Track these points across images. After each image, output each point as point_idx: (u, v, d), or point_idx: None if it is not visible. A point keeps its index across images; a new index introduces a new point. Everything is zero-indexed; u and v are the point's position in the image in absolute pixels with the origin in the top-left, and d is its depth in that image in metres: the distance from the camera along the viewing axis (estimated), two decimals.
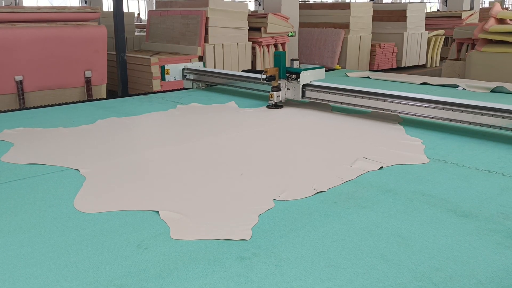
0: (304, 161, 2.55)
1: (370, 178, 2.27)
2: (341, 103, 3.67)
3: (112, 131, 3.27)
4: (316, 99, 3.83)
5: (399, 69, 9.93)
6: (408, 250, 1.59)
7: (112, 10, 6.39)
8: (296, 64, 3.91)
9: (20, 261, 1.55)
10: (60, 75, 5.49)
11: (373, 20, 9.79)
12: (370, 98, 3.46)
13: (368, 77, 5.66)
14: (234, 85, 4.60)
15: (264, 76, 3.89)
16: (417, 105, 3.20)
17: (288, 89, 3.95)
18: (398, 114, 3.40)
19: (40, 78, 5.35)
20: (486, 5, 22.43)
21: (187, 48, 7.09)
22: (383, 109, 3.40)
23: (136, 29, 10.64)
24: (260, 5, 14.49)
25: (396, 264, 1.50)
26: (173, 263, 1.53)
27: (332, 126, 3.34)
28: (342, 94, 3.63)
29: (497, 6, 7.05)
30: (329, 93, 3.73)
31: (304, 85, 3.87)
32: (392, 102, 3.34)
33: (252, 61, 7.74)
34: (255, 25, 7.74)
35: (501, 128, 2.85)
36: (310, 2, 20.42)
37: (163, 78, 4.84)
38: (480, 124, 2.93)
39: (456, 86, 4.79)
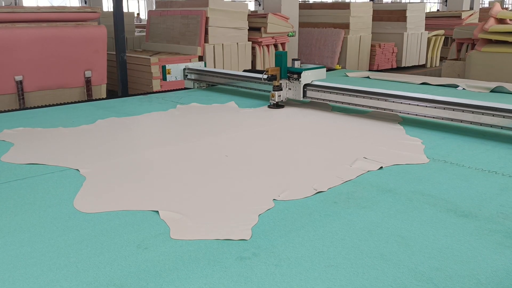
0: (304, 161, 2.55)
1: (370, 178, 2.27)
2: (342, 102, 3.67)
3: (112, 131, 3.27)
4: (317, 98, 3.83)
5: (399, 69, 9.92)
6: (408, 250, 1.59)
7: (112, 10, 6.39)
8: (297, 64, 3.92)
9: (20, 261, 1.55)
10: (60, 75, 5.49)
11: (373, 20, 9.80)
12: (370, 98, 3.46)
13: (368, 77, 5.66)
14: (235, 85, 4.60)
15: (265, 76, 3.89)
16: (417, 105, 3.20)
17: (290, 89, 3.95)
18: (399, 114, 3.40)
19: (40, 78, 5.35)
20: (486, 5, 22.43)
21: (187, 48, 7.09)
22: (384, 109, 3.40)
23: (136, 29, 10.64)
24: (260, 5, 14.49)
25: (396, 264, 1.50)
26: (173, 263, 1.53)
27: (332, 126, 3.34)
28: (342, 94, 3.64)
29: (497, 6, 7.05)
30: (330, 93, 3.73)
31: (305, 85, 3.87)
32: (393, 102, 3.34)
33: (252, 61, 7.74)
34: (255, 25, 7.74)
35: (502, 127, 2.85)
36: (310, 2, 20.42)
37: (164, 78, 4.84)
38: (481, 124, 2.93)
39: (456, 86, 4.80)
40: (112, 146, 2.89)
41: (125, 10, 7.17)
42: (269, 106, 3.95)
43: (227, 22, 7.22)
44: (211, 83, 4.92)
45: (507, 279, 1.42)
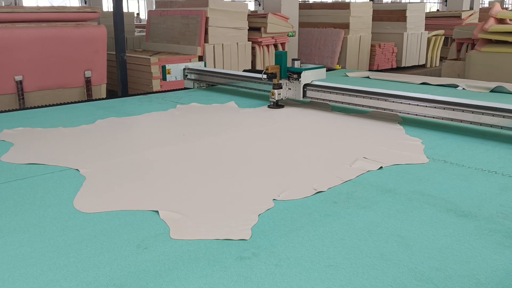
0: (304, 161, 2.55)
1: (370, 178, 2.27)
2: (342, 102, 3.67)
3: (112, 131, 3.27)
4: (317, 98, 3.83)
5: (399, 69, 9.93)
6: (408, 250, 1.59)
7: (112, 10, 6.39)
8: (297, 64, 3.91)
9: (20, 261, 1.55)
10: (60, 75, 5.49)
11: (373, 20, 9.80)
12: (370, 98, 3.47)
13: (368, 77, 5.66)
14: (235, 85, 4.60)
15: (265, 75, 3.88)
16: (417, 105, 3.20)
17: (289, 88, 3.95)
18: (399, 113, 3.40)
19: (40, 78, 5.35)
20: (486, 5, 22.43)
21: (187, 48, 7.09)
22: (384, 109, 3.40)
23: (136, 29, 10.64)
24: (260, 5, 14.49)
25: (396, 264, 1.50)
26: (173, 263, 1.53)
27: (332, 126, 3.34)
28: (342, 94, 3.64)
29: (497, 6, 7.05)
30: (330, 92, 3.73)
31: (305, 85, 3.87)
32: (393, 101, 3.34)
33: (252, 61, 7.74)
34: (255, 25, 7.74)
35: (501, 127, 2.85)
36: (310, 2, 20.42)
37: (164, 78, 4.84)
38: (481, 124, 2.93)
39: (456, 86, 4.80)
40: (112, 146, 2.89)
41: (125, 10, 7.17)
42: (269, 106, 3.95)
43: (227, 22, 7.22)
44: (211, 83, 4.92)
45: (507, 279, 1.42)
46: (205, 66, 5.11)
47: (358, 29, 9.42)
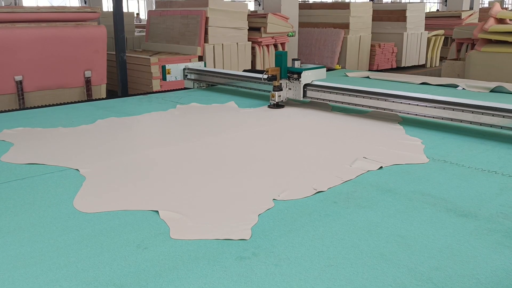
0: (303, 161, 2.55)
1: (370, 178, 2.27)
2: (342, 102, 3.67)
3: (112, 131, 3.27)
4: (317, 98, 3.83)
5: (399, 69, 9.93)
6: (408, 249, 1.59)
7: (112, 10, 6.39)
8: (297, 64, 3.91)
9: (20, 261, 1.55)
10: (60, 75, 5.49)
11: (373, 20, 9.80)
12: (370, 98, 3.47)
13: (368, 77, 5.66)
14: (235, 85, 4.60)
15: (265, 76, 3.89)
16: (417, 105, 3.20)
17: (290, 88, 3.95)
18: (398, 113, 3.40)
19: (40, 78, 5.35)
20: (486, 5, 22.44)
21: (186, 48, 7.09)
22: (384, 109, 3.40)
23: (135, 29, 10.64)
24: (260, 5, 14.50)
25: (396, 263, 1.50)
26: (173, 262, 1.53)
27: (332, 126, 3.34)
28: (342, 94, 3.64)
29: (497, 6, 7.05)
30: (330, 92, 3.73)
31: (306, 85, 3.87)
32: (392, 101, 3.34)
33: (252, 61, 7.74)
34: (255, 25, 7.75)
35: (501, 127, 2.85)
36: (310, 2, 20.43)
37: (164, 78, 4.84)
38: (480, 124, 2.93)
39: (455, 86, 4.80)
40: (112, 146, 2.89)
41: (125, 10, 7.17)
42: (269, 106, 3.95)
43: (227, 22, 7.22)
44: (211, 83, 4.92)
45: (507, 278, 1.42)
46: (205, 66, 5.11)
47: (358, 29, 9.42)
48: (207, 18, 7.00)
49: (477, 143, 2.84)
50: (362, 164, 2.45)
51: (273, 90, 3.90)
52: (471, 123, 2.98)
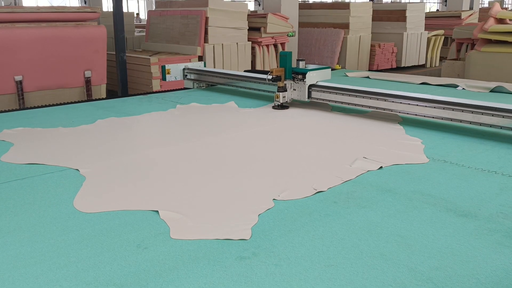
0: (303, 161, 2.55)
1: (370, 178, 2.27)
2: (342, 102, 3.67)
3: (112, 131, 3.27)
4: (323, 99, 3.78)
5: (399, 69, 9.93)
6: (408, 249, 1.59)
7: (111, 10, 6.39)
8: (302, 65, 3.85)
9: (20, 261, 1.55)
10: (60, 75, 5.49)
11: (373, 20, 9.80)
12: (370, 98, 3.46)
13: (368, 77, 5.66)
14: (235, 85, 4.59)
15: (270, 77, 3.82)
16: (417, 105, 3.21)
17: (294, 89, 3.90)
18: (398, 113, 3.40)
19: (39, 78, 5.35)
20: (486, 5, 22.44)
21: (186, 48, 7.09)
22: (383, 109, 3.40)
23: (135, 29, 10.64)
24: (259, 5, 14.51)
25: (396, 263, 1.50)
26: (173, 262, 1.53)
27: (332, 126, 3.34)
28: (342, 94, 3.63)
29: (497, 6, 7.05)
30: (336, 93, 3.68)
31: (310, 86, 3.82)
32: (392, 101, 3.34)
33: (251, 61, 7.74)
34: (255, 25, 7.75)
35: (501, 127, 2.85)
36: (310, 2, 20.43)
37: (163, 78, 4.84)
38: (480, 124, 2.93)
39: (455, 86, 4.80)
40: (112, 146, 2.89)
41: (124, 10, 7.17)
42: (274, 107, 3.89)
43: (227, 22, 7.22)
44: (211, 83, 4.92)
45: (507, 278, 1.42)
46: (204, 66, 5.11)
47: (358, 29, 9.42)
48: (207, 18, 7.00)
49: (477, 143, 2.85)
50: (362, 164, 2.45)
51: (278, 91, 3.84)
52: (470, 123, 2.98)
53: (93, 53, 5.66)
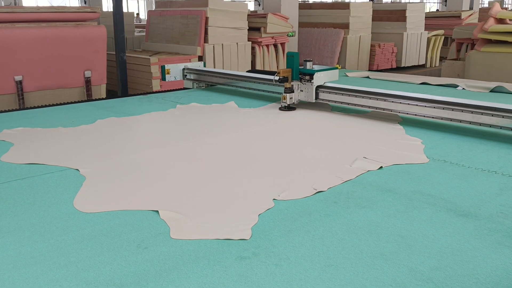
0: (303, 161, 2.55)
1: (370, 178, 2.27)
2: (341, 102, 3.66)
3: (112, 131, 3.27)
4: (329, 100, 3.74)
5: (399, 69, 9.94)
6: (408, 249, 1.59)
7: (111, 10, 6.39)
8: (309, 65, 3.79)
9: (20, 261, 1.55)
10: (59, 75, 5.49)
11: (373, 20, 9.81)
12: (370, 98, 3.46)
13: (368, 77, 5.66)
14: (235, 85, 4.59)
15: (277, 78, 3.75)
16: (417, 105, 3.21)
17: (301, 90, 3.84)
18: (398, 113, 3.40)
19: (39, 78, 5.35)
20: (486, 5, 22.45)
21: (186, 48, 7.10)
22: (383, 109, 3.40)
23: (135, 29, 10.65)
24: (259, 5, 14.51)
25: (396, 263, 1.50)
26: (173, 262, 1.53)
27: (332, 126, 3.34)
28: (345, 94, 3.63)
29: (497, 6, 7.06)
30: (336, 93, 3.65)
31: (318, 87, 3.77)
32: (392, 102, 3.34)
33: (251, 61, 7.74)
34: (255, 25, 7.75)
35: (501, 127, 2.85)
36: (310, 2, 20.43)
37: (163, 78, 4.83)
38: (480, 124, 2.93)
39: (455, 86, 4.80)
40: (112, 146, 2.89)
41: (124, 10, 7.17)
42: (280, 109, 3.83)
43: (226, 22, 7.22)
44: (210, 83, 4.92)
45: (507, 278, 1.42)
46: (204, 66, 5.11)
47: (358, 29, 9.43)
48: (207, 18, 7.00)
49: (476, 143, 2.85)
50: (362, 164, 2.45)
51: (285, 92, 3.77)
52: (470, 123, 2.98)
53: (93, 53, 5.66)
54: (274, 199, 2.03)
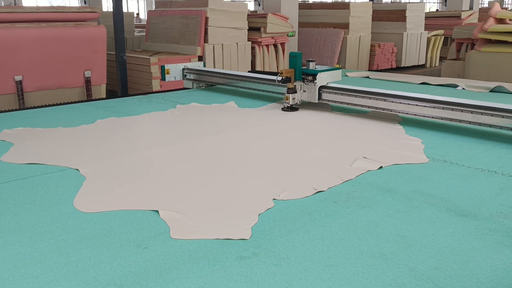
0: (303, 161, 2.55)
1: (370, 178, 2.27)
2: (341, 102, 3.66)
3: (112, 131, 3.27)
4: (333, 101, 3.72)
5: (399, 69, 9.94)
6: (408, 249, 1.59)
7: (111, 10, 6.39)
8: (312, 65, 3.76)
9: (20, 261, 1.55)
10: (59, 75, 5.49)
11: (373, 20, 9.81)
12: (370, 98, 3.46)
13: (368, 77, 5.66)
14: (235, 85, 4.59)
15: (279, 78, 3.71)
16: (417, 105, 3.21)
17: (304, 91, 3.82)
18: (398, 113, 3.40)
19: (39, 78, 5.35)
20: (486, 5, 22.46)
21: (186, 48, 7.10)
22: (383, 109, 3.41)
23: (135, 29, 10.65)
24: (259, 5, 14.51)
25: (396, 263, 1.50)
26: (173, 262, 1.53)
27: (332, 126, 3.34)
28: (345, 94, 3.63)
29: (497, 6, 7.06)
30: (335, 93, 3.65)
31: (321, 87, 3.75)
32: (392, 101, 3.34)
33: (251, 61, 7.74)
34: (255, 25, 7.75)
35: (500, 127, 2.85)
36: (310, 2, 20.44)
37: (163, 78, 4.83)
38: (480, 124, 2.94)
39: (455, 86, 4.80)
40: (112, 146, 2.89)
41: (124, 10, 7.18)
42: (283, 109, 3.81)
43: (226, 22, 7.22)
44: (210, 83, 4.92)
45: (507, 278, 1.42)
46: (204, 66, 5.11)
47: (357, 29, 9.43)
48: (207, 18, 7.00)
49: (476, 143, 2.85)
50: (362, 164, 2.45)
51: (287, 93, 3.74)
52: (470, 123, 2.98)
53: (93, 53, 5.66)
54: (274, 199, 2.03)
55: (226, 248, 1.61)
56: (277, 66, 8.01)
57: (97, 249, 1.62)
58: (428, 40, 10.69)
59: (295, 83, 3.78)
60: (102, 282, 1.42)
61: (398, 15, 10.12)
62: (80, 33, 5.52)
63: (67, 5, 22.69)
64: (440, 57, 11.07)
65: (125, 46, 6.38)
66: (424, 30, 10.49)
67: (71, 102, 4.49)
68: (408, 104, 3.25)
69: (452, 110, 3.03)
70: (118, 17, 6.08)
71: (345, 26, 9.30)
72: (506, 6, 29.59)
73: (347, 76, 5.78)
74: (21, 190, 2.17)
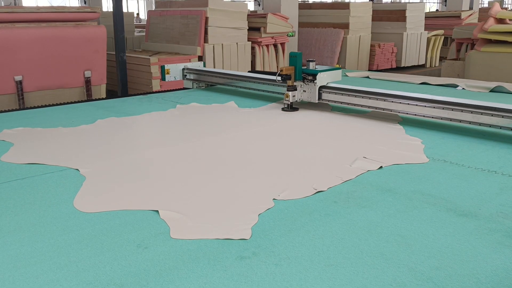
0: (303, 161, 2.55)
1: (370, 178, 2.27)
2: (341, 102, 3.66)
3: (111, 131, 3.27)
4: (333, 101, 3.72)
5: (399, 69, 9.94)
6: (408, 249, 1.59)
7: (111, 10, 6.39)
8: (312, 65, 3.75)
9: (20, 261, 1.55)
10: (59, 75, 5.49)
11: (373, 20, 9.81)
12: (370, 98, 3.46)
13: (368, 77, 5.66)
14: (235, 85, 4.59)
15: (279, 78, 3.69)
16: (417, 105, 3.21)
17: (304, 91, 3.80)
18: (398, 113, 3.40)
19: (39, 78, 5.35)
20: (486, 5, 22.46)
21: (186, 48, 7.10)
22: (383, 109, 3.40)
23: (135, 29, 10.65)
24: (259, 5, 14.52)
25: (396, 263, 1.50)
26: (173, 262, 1.53)
27: (332, 126, 3.34)
28: (345, 94, 3.63)
29: (497, 6, 7.06)
30: (335, 93, 3.65)
31: (321, 87, 3.74)
32: (392, 101, 3.34)
33: (251, 61, 7.74)
34: (255, 25, 7.75)
35: (500, 127, 2.85)
36: (310, 2, 20.44)
37: (163, 78, 4.83)
38: (479, 124, 2.94)
39: (455, 86, 4.80)
40: (112, 146, 2.89)
41: (124, 10, 7.18)
42: (283, 109, 3.79)
43: (226, 22, 7.22)
44: (210, 83, 4.92)
45: (507, 278, 1.42)
46: (204, 66, 5.11)
47: (357, 29, 9.43)
48: (207, 18, 7.00)
49: (476, 143, 2.85)
50: (362, 164, 2.45)
51: (288, 90, 3.71)
52: (470, 123, 2.98)
53: (93, 53, 5.66)
54: (274, 199, 2.03)
55: (226, 248, 1.61)
56: (277, 66, 8.01)
57: (97, 249, 1.62)
58: (428, 40, 10.69)
59: (295, 83, 3.77)
60: (102, 282, 1.42)
61: (398, 15, 10.13)
62: (80, 33, 5.52)
63: (67, 5, 22.69)
64: (440, 57, 11.08)
65: (125, 46, 6.39)
66: (424, 30, 10.50)
67: (71, 102, 4.49)
68: (408, 104, 3.25)
69: (452, 110, 3.03)
70: (118, 17, 6.09)
71: (345, 26, 9.30)
72: (506, 6, 29.59)
73: (347, 76, 5.78)
74: (21, 190, 2.17)
